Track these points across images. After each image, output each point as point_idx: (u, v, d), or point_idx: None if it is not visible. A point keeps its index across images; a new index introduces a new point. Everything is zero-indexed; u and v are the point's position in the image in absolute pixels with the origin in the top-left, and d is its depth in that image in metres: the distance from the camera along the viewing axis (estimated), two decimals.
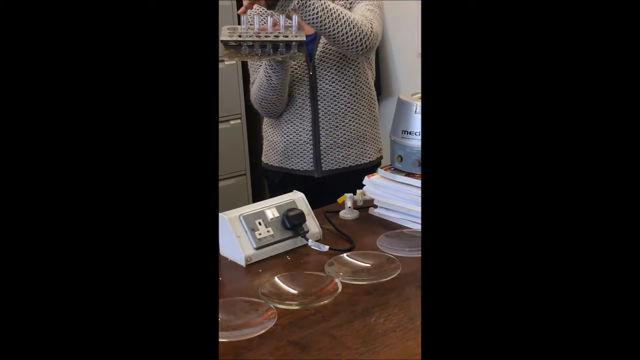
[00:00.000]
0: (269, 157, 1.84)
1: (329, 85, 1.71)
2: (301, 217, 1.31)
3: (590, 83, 0.63)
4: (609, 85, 0.62)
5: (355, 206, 1.50)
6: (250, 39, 1.49)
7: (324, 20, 1.47)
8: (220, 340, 0.97)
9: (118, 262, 0.65)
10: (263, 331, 0.99)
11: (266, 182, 1.93)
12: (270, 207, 1.32)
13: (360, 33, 1.53)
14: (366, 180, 1.50)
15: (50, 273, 0.63)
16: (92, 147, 0.64)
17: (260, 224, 1.28)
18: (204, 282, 0.68)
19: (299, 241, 1.32)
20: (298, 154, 1.76)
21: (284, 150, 1.77)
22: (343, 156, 1.76)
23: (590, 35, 0.62)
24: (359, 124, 1.76)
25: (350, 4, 1.67)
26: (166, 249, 0.67)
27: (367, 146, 1.79)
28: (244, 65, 2.84)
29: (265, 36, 1.50)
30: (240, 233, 1.26)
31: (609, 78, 0.62)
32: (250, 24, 1.59)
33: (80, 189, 0.63)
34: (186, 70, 0.67)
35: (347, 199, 1.48)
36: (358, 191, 1.51)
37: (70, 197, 0.63)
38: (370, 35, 1.55)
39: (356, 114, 1.75)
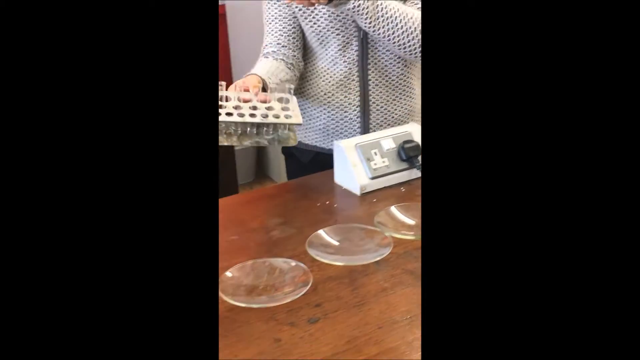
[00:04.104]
0: (297, 132, 1.49)
1: (383, 54, 1.41)
2: (417, 149, 1.30)
3: (588, 76, 0.60)
4: (607, 82, 0.59)
5: None
6: (226, 119, 1.11)
7: (377, 26, 1.28)
8: (336, 264, 0.99)
9: (113, 239, 0.63)
10: (379, 258, 1.00)
11: (285, 160, 1.62)
12: (386, 138, 1.31)
13: (419, 41, 1.30)
14: None
15: (47, 258, 0.62)
16: (89, 131, 0.63)
17: (375, 154, 1.28)
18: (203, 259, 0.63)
19: (413, 173, 1.31)
20: (341, 133, 1.47)
21: (324, 127, 1.48)
22: None
23: (590, 33, 0.59)
24: (411, 99, 1.49)
25: None
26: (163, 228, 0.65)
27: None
28: None
29: (251, 114, 1.13)
30: (356, 162, 1.26)
31: (608, 77, 0.59)
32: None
33: (76, 166, 0.62)
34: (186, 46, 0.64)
35: None
36: None
37: (62, 173, 0.62)
38: None
39: (409, 87, 1.48)
